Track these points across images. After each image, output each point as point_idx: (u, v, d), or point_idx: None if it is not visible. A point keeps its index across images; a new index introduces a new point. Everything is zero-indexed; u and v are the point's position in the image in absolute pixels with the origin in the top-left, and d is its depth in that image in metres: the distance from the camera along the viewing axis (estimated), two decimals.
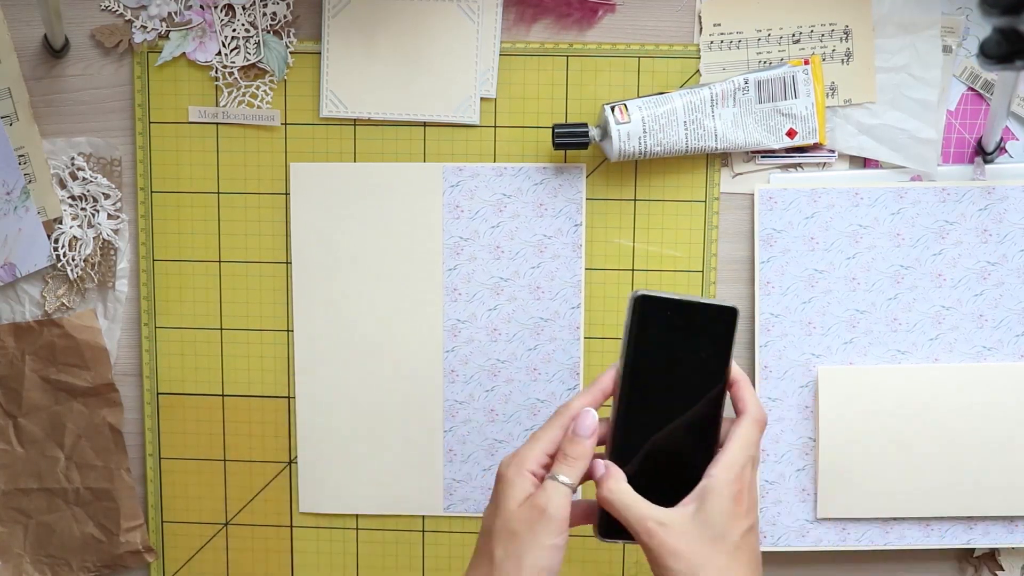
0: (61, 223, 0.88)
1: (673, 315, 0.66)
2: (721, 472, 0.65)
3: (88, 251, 0.88)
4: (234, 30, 0.86)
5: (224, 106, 0.87)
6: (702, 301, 0.67)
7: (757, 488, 0.67)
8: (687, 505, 0.65)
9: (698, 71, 0.86)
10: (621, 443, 0.67)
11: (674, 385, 0.67)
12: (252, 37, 0.86)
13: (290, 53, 0.86)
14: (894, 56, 0.84)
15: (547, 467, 0.66)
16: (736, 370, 0.68)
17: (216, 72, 0.86)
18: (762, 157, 0.86)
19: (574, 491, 0.65)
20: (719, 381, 0.67)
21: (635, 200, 0.87)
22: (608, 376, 0.68)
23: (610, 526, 0.67)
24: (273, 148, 0.88)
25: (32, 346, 0.89)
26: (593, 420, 0.66)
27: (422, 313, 0.88)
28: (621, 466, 0.66)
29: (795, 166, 0.87)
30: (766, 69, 0.84)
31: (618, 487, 0.65)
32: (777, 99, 0.84)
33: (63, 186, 0.87)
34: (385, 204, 0.87)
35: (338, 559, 0.92)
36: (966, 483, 0.86)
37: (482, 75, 0.86)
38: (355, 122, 0.87)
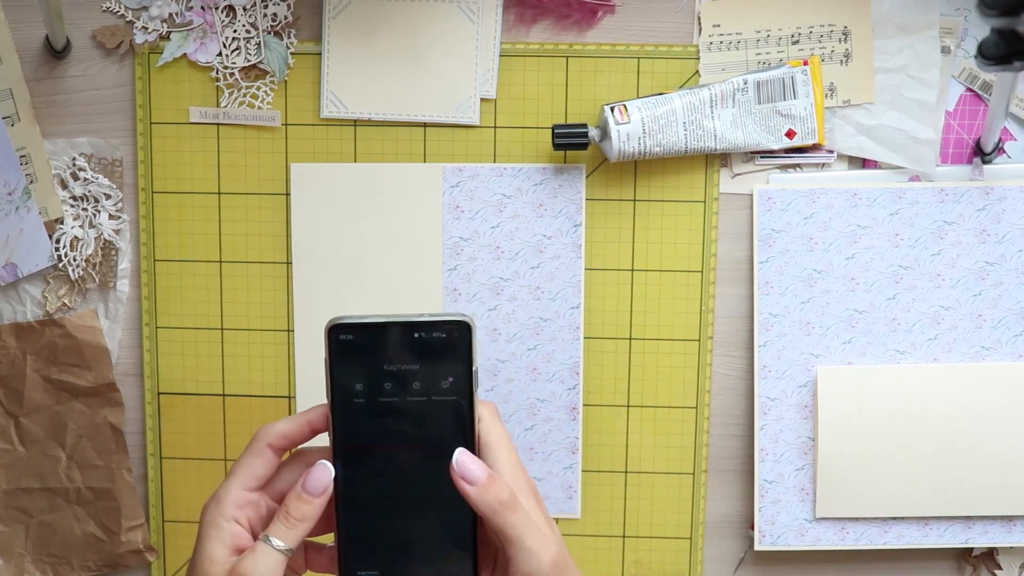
0: (62, 223, 0.88)
1: (382, 340, 0.57)
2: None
3: (89, 251, 0.88)
4: (235, 31, 0.86)
5: (225, 107, 0.87)
6: (415, 320, 0.57)
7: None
8: None
9: (697, 72, 0.86)
10: (347, 495, 0.58)
11: (403, 420, 0.57)
12: (253, 38, 0.86)
13: (291, 54, 0.86)
14: (893, 57, 0.85)
15: (252, 506, 0.58)
16: (491, 430, 0.58)
17: (217, 73, 0.87)
18: (761, 157, 0.86)
19: (291, 554, 0.56)
20: (462, 409, 0.58)
21: (635, 200, 0.88)
22: (318, 411, 0.58)
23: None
24: (274, 148, 0.88)
25: (33, 346, 0.89)
26: (327, 476, 0.56)
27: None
28: (352, 519, 0.57)
29: (794, 166, 0.87)
30: (765, 70, 0.85)
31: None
32: (776, 100, 0.84)
33: (64, 186, 0.88)
34: (385, 204, 0.88)
35: None
36: (964, 483, 0.86)
37: (482, 76, 0.86)
38: (355, 122, 0.87)
